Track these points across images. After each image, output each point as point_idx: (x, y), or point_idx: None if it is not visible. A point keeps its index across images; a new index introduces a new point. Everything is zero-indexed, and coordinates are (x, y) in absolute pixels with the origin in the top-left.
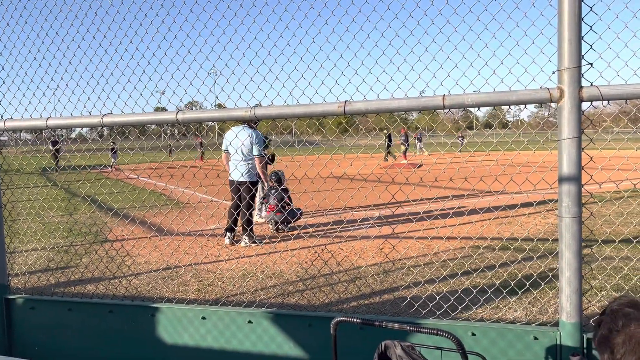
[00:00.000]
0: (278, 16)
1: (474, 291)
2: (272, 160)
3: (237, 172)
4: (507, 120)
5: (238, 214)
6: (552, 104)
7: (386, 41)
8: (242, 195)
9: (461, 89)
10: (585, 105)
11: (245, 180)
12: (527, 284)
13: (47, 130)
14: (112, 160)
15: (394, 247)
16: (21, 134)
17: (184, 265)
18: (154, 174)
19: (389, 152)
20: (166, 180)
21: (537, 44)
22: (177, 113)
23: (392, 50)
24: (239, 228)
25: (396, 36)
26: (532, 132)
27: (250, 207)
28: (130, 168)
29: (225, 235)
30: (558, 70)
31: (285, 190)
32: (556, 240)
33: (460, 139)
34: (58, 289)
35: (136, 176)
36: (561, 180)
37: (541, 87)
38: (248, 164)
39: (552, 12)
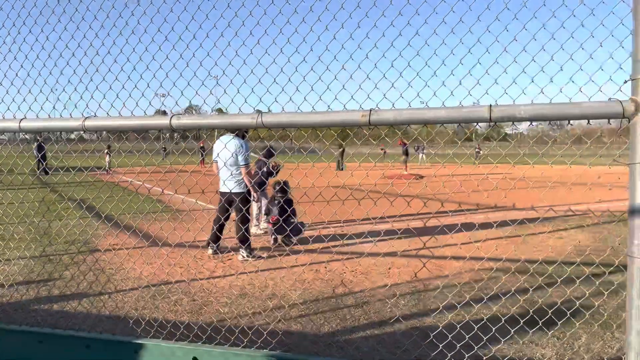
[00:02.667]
0: (293, 8)
1: (498, 322)
2: (277, 172)
3: (230, 183)
4: (507, 133)
5: (223, 225)
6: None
7: (422, 40)
8: (237, 207)
9: (510, 99)
10: None
11: (238, 191)
12: (550, 312)
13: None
14: (107, 163)
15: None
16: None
17: (176, 282)
18: (150, 179)
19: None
20: (164, 186)
21: (606, 47)
22: (171, 118)
23: (429, 51)
24: (232, 240)
25: (434, 34)
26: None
27: (246, 219)
28: (125, 171)
29: (209, 245)
30: (632, 79)
31: (289, 202)
32: (570, 263)
33: (477, 150)
34: (37, 305)
35: (129, 180)
36: (633, 212)
37: (610, 99)
38: (237, 175)
39: (625, 10)
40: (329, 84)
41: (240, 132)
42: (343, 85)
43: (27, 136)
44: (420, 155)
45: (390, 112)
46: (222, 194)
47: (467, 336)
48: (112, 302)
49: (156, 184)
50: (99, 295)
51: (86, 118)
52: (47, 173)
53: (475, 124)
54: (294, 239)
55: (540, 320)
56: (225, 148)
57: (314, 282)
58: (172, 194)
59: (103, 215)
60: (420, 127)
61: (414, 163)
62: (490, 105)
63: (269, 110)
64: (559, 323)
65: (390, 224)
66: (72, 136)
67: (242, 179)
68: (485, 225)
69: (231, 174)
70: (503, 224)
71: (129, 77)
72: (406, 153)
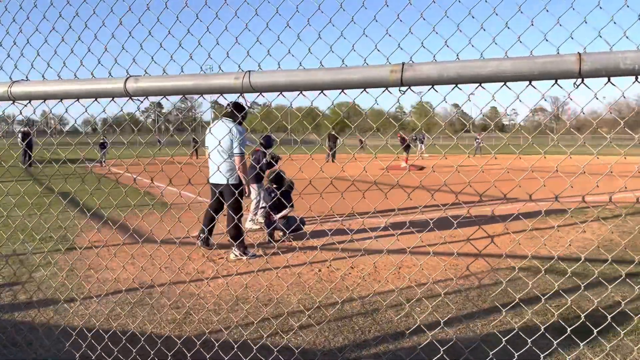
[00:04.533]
0: None
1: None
2: (276, 162)
3: (218, 174)
4: (504, 124)
5: (213, 219)
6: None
7: None
8: (229, 201)
9: (606, 45)
10: None
11: (231, 183)
12: (585, 320)
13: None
14: (101, 155)
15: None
16: None
17: (159, 285)
18: (144, 170)
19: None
20: (155, 178)
21: None
22: (126, 81)
23: None
24: (224, 236)
25: None
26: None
27: (238, 213)
28: (119, 163)
29: (199, 238)
30: None
31: (287, 195)
32: (602, 261)
33: (476, 140)
34: None
35: (121, 172)
36: None
37: None
38: (229, 164)
39: None
40: (338, 37)
41: (235, 115)
42: (364, 31)
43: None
44: (420, 145)
45: (431, 66)
46: (213, 185)
47: (494, 350)
48: (84, 309)
49: (147, 176)
50: (70, 302)
51: (14, 82)
52: (30, 165)
53: (554, 81)
54: (287, 233)
55: (579, 329)
56: (216, 134)
57: (315, 284)
58: (164, 186)
59: (85, 211)
60: (421, 116)
61: (412, 155)
62: (580, 53)
63: (260, 68)
64: (595, 332)
65: (397, 216)
66: (67, 128)
67: (235, 169)
68: (495, 219)
69: (223, 163)
70: (515, 217)
71: (79, 37)
72: (407, 146)
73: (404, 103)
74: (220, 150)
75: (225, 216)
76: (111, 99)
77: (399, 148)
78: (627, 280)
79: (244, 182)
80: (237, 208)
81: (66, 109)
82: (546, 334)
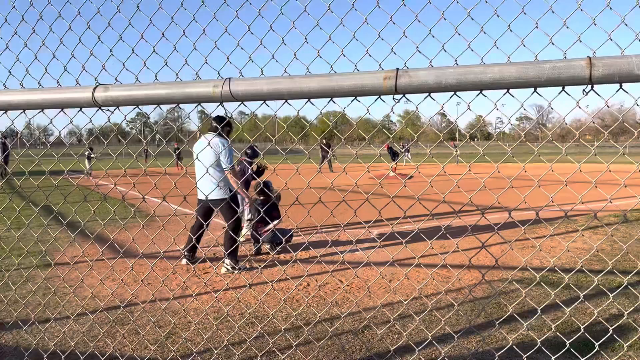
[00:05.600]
0: None
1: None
2: (262, 172)
3: (208, 189)
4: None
5: (201, 234)
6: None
7: None
8: (226, 215)
9: (617, 48)
10: None
11: (221, 197)
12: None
13: None
14: (88, 167)
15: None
16: None
17: (141, 302)
18: (129, 183)
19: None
20: (143, 190)
21: None
22: (94, 90)
23: None
24: (211, 250)
25: None
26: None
27: (238, 227)
28: (105, 175)
29: (184, 255)
30: None
31: (274, 206)
32: (598, 272)
33: (454, 147)
34: None
35: (105, 184)
36: None
37: None
38: (218, 178)
39: None
40: (326, 43)
41: (223, 129)
42: (354, 35)
43: None
44: (407, 154)
45: (428, 72)
46: (201, 201)
47: None
48: (59, 330)
49: (133, 188)
50: (45, 322)
51: None
52: (2, 177)
53: (561, 88)
54: (276, 247)
55: (577, 343)
56: (203, 149)
57: (303, 300)
58: (148, 198)
59: (68, 225)
60: (409, 125)
61: (400, 163)
62: (590, 57)
63: (242, 75)
64: (596, 346)
65: (390, 227)
66: (51, 139)
67: (225, 183)
68: (483, 229)
69: (211, 178)
70: (505, 226)
71: (43, 43)
72: (394, 154)
73: (393, 111)
74: (208, 165)
75: (207, 229)
76: (79, 109)
77: (388, 157)
78: (629, 287)
79: (240, 192)
80: (235, 220)
81: (51, 120)
82: (543, 349)
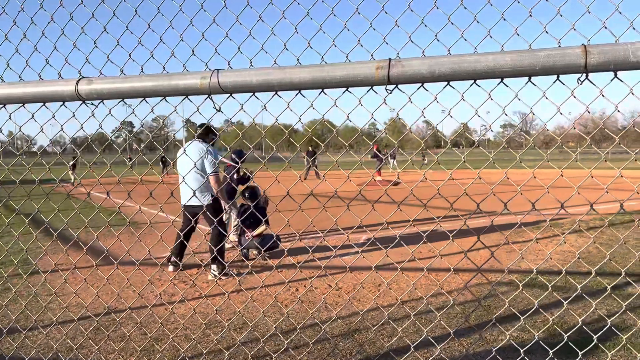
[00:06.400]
0: None
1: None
2: (248, 179)
3: (190, 195)
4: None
5: (187, 240)
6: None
7: None
8: (210, 220)
9: (611, 37)
10: None
11: (205, 203)
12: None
13: None
14: (72, 176)
15: (387, 284)
16: None
17: (126, 310)
18: (114, 190)
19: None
20: (124, 197)
21: None
22: (77, 82)
23: None
24: (198, 256)
25: None
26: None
27: (222, 233)
28: (90, 183)
29: (169, 261)
30: None
31: (263, 210)
32: (585, 274)
33: (422, 157)
34: None
35: (89, 192)
36: None
37: None
38: (203, 185)
39: None
40: (316, 34)
41: (208, 135)
42: (345, 24)
43: None
44: (392, 161)
45: (421, 62)
46: (186, 207)
47: None
48: (43, 339)
49: (119, 196)
50: (30, 330)
51: None
52: None
53: (556, 77)
54: (262, 251)
55: (566, 345)
56: (186, 155)
57: (292, 304)
58: (132, 205)
59: (52, 232)
60: (394, 130)
61: (385, 170)
62: (585, 45)
63: (230, 67)
64: (594, 341)
65: (379, 231)
66: (34, 149)
67: (209, 189)
68: (469, 233)
69: (195, 184)
70: (491, 230)
71: (24, 35)
72: (378, 158)
73: (379, 117)
74: (192, 172)
75: (190, 235)
76: (62, 103)
77: (373, 164)
78: (629, 288)
79: (221, 199)
80: (220, 228)
81: (32, 115)
82: (538, 349)
